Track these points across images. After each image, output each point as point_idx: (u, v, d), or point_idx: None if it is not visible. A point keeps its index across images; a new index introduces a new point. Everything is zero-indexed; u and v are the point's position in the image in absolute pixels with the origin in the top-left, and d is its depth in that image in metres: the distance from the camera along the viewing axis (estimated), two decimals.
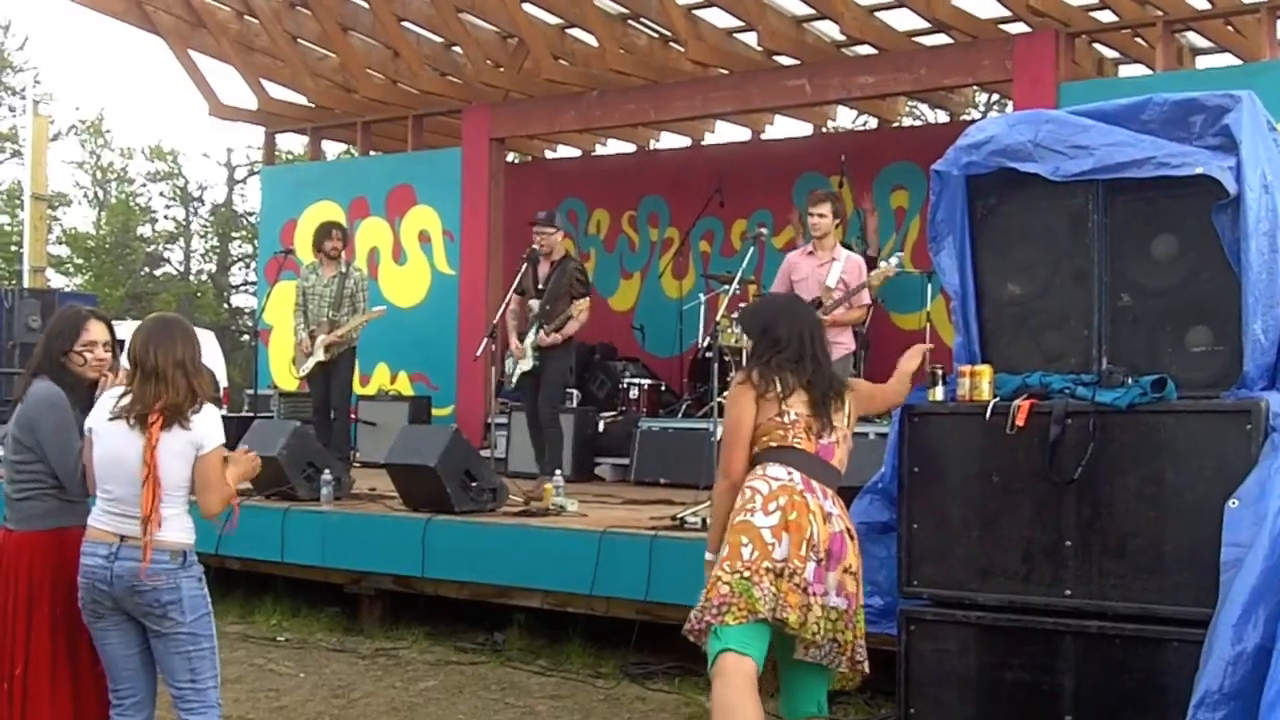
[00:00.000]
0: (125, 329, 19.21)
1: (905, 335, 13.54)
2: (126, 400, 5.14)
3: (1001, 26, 13.11)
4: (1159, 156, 5.46)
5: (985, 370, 5.87)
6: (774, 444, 5.55)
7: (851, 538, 5.53)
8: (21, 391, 5.64)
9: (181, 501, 5.22)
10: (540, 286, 11.19)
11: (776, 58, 14.27)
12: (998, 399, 5.77)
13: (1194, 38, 13.33)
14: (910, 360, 6.25)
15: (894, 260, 10.34)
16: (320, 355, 11.98)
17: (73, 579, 5.27)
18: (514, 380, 11.27)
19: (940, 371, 6.08)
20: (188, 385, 5.14)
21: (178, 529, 5.19)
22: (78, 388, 5.56)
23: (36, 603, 5.40)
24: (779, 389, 5.54)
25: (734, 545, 5.40)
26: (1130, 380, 5.51)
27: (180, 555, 5.18)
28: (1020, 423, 5.63)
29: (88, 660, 5.41)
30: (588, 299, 11.22)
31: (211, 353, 22.95)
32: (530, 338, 11.02)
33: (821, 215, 10.31)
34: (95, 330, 5.64)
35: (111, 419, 5.14)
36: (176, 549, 5.17)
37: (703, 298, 14.59)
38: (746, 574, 5.33)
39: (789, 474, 5.47)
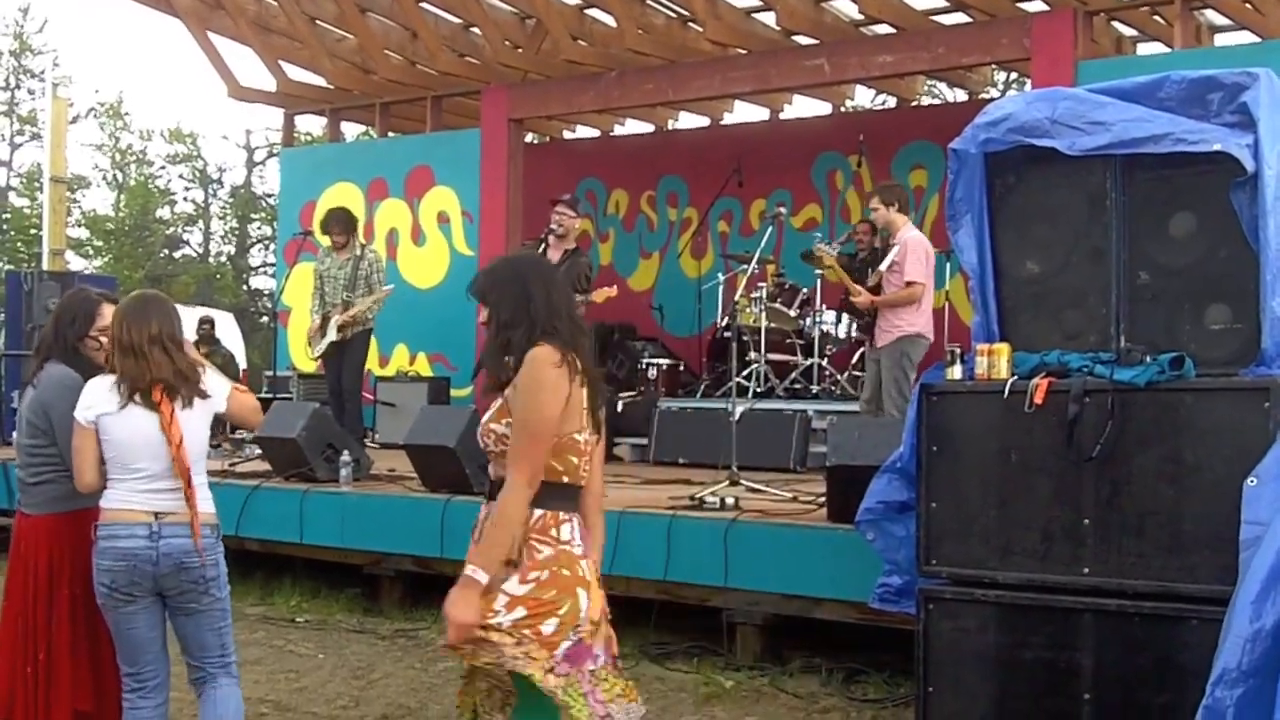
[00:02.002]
0: None
1: None
2: (124, 383, 5.10)
3: (1019, 5, 13.06)
4: (1176, 133, 5.44)
5: (1003, 349, 5.86)
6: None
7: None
8: (33, 376, 5.62)
9: (203, 470, 5.25)
10: None
11: (795, 37, 14.23)
12: (1016, 377, 5.77)
13: (1212, 15, 13.29)
14: None
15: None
16: (334, 335, 12.01)
17: (90, 561, 5.27)
18: None
19: (959, 350, 6.07)
20: (169, 361, 5.12)
21: (205, 498, 5.21)
22: (91, 372, 5.55)
23: (57, 585, 5.41)
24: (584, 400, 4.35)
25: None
26: (1149, 358, 5.50)
27: (215, 529, 5.23)
28: (1039, 401, 5.62)
29: (106, 640, 5.42)
30: (589, 298, 11.20)
31: (231, 334, 23.02)
32: None
33: (875, 209, 10.60)
34: (109, 314, 5.63)
35: (122, 406, 5.09)
36: (213, 522, 5.22)
37: (721, 277, 14.60)
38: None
39: None
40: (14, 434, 6.02)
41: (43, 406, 5.47)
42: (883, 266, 10.30)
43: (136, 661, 5.25)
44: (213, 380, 5.30)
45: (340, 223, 12.40)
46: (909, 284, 10.22)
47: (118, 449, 5.14)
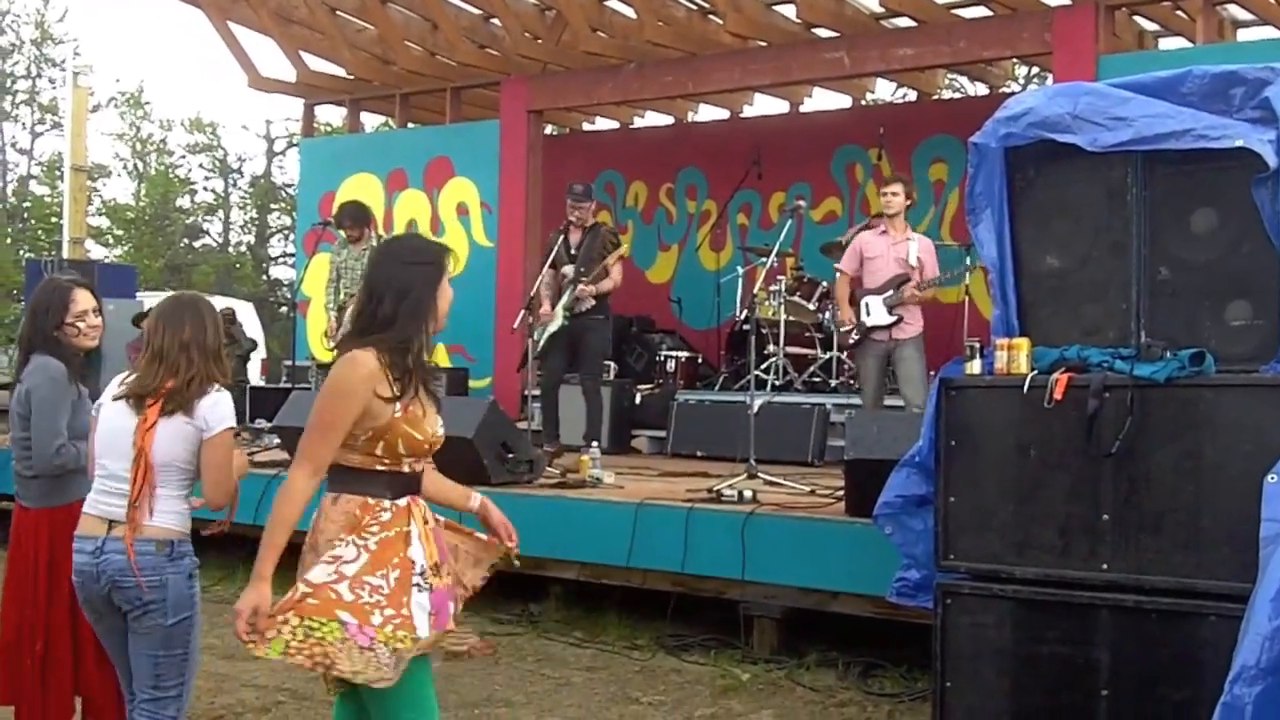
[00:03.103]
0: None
1: (943, 309, 13.47)
2: (132, 379, 4.90)
3: None
4: (1198, 129, 5.43)
5: (1023, 343, 5.85)
6: None
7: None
8: (19, 369, 5.62)
9: (179, 485, 4.84)
10: (573, 253, 11.21)
11: (815, 30, 14.21)
12: (1035, 372, 5.76)
13: (1235, 10, 13.25)
14: None
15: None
16: (349, 327, 12.01)
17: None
18: (540, 345, 11.26)
19: (978, 345, 6.06)
20: (199, 365, 4.84)
21: (169, 515, 4.81)
22: (74, 359, 5.53)
23: (57, 578, 5.37)
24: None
25: None
26: (1169, 354, 5.49)
27: (167, 545, 4.78)
28: (1058, 396, 5.61)
29: None
30: (620, 250, 11.21)
31: (250, 324, 23.06)
32: (564, 299, 11.03)
33: (895, 194, 10.52)
34: (83, 299, 5.58)
35: (115, 398, 4.89)
36: (163, 538, 4.78)
37: (740, 270, 14.57)
38: None
39: None
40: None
41: (26, 395, 5.46)
42: (912, 259, 10.32)
43: (125, 677, 4.99)
44: (216, 409, 4.87)
45: (352, 216, 12.41)
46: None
47: (98, 441, 4.93)
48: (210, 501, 4.85)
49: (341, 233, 12.53)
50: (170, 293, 5.37)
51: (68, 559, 5.06)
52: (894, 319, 10.29)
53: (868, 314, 10.40)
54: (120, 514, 4.77)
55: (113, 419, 4.88)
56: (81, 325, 5.55)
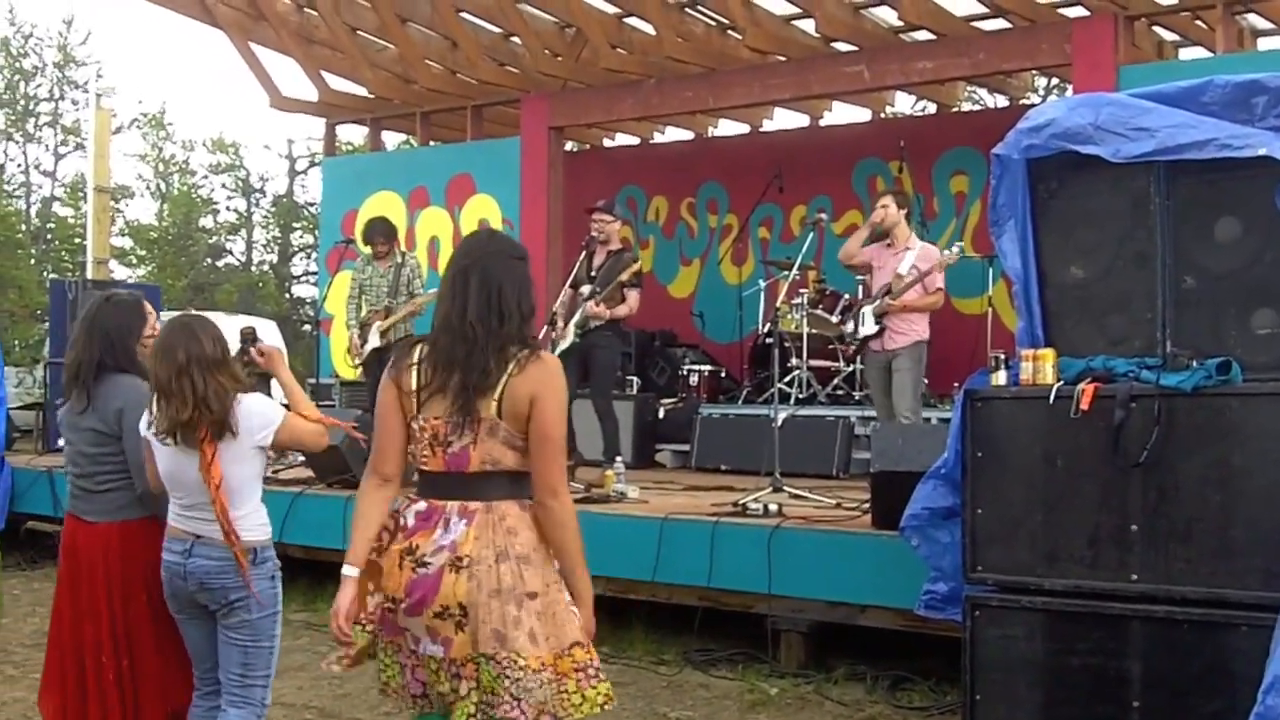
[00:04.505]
0: None
1: (967, 320, 13.49)
2: (161, 421, 5.03)
3: (1060, 10, 13.02)
4: (1221, 138, 5.42)
5: (1048, 354, 5.85)
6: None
7: (458, 570, 4.07)
8: (88, 385, 5.57)
9: (250, 498, 5.16)
10: (593, 274, 11.21)
11: (834, 44, 14.23)
12: (1061, 383, 5.76)
13: (1255, 19, 13.20)
14: None
15: (955, 249, 10.36)
16: (376, 341, 12.04)
17: (158, 562, 5.26)
18: None
19: (1003, 356, 6.06)
20: (202, 385, 4.94)
21: (249, 527, 5.12)
22: (144, 375, 5.58)
23: (132, 591, 5.39)
24: (413, 382, 4.23)
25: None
26: (1195, 363, 5.48)
27: (251, 552, 5.10)
28: (1084, 407, 5.61)
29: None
30: (635, 264, 11.20)
31: (273, 342, 23.10)
32: (576, 317, 11.02)
33: (885, 207, 10.43)
34: (152, 316, 5.68)
35: (163, 441, 5.06)
36: (246, 547, 5.08)
37: (762, 284, 14.62)
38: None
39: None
40: (60, 443, 5.97)
41: (115, 414, 5.45)
42: (902, 269, 10.19)
43: (197, 666, 5.33)
44: (257, 415, 5.12)
45: (382, 232, 12.44)
46: (936, 291, 10.20)
47: (165, 479, 5.18)
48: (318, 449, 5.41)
49: (366, 249, 12.56)
50: (194, 313, 5.40)
51: (142, 570, 5.33)
52: (879, 328, 10.23)
53: (863, 324, 10.38)
54: (203, 529, 5.08)
55: (168, 460, 5.11)
56: (149, 343, 5.58)
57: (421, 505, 4.20)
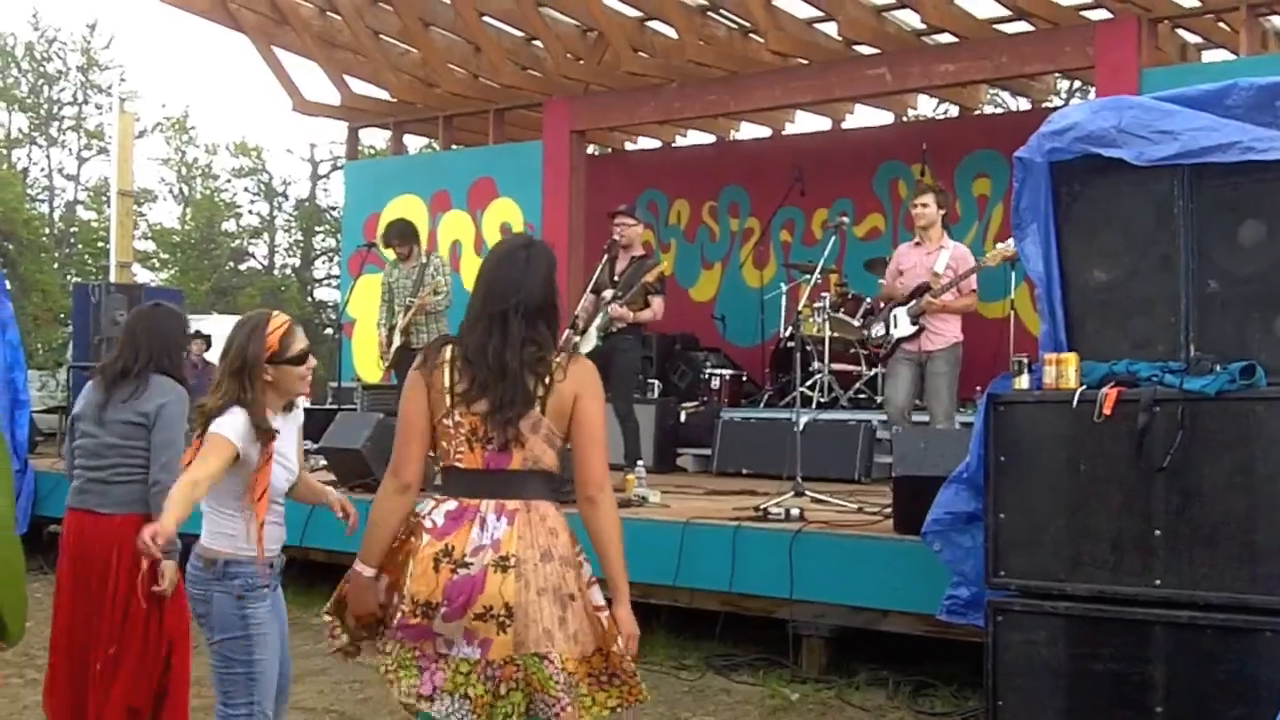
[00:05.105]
0: (210, 324, 19.29)
1: (990, 323, 13.43)
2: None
3: (1082, 13, 12.98)
4: (1244, 141, 5.41)
5: (1071, 358, 5.83)
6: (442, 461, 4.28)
7: (504, 570, 4.06)
8: (134, 382, 5.64)
9: (221, 502, 4.83)
10: (615, 279, 11.19)
11: (856, 47, 14.22)
12: (1085, 387, 5.74)
13: (1279, 21, 13.14)
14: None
15: (1001, 248, 10.19)
16: (399, 340, 12.05)
17: (157, 560, 5.31)
18: None
19: (1026, 360, 6.04)
20: (226, 385, 4.79)
21: (217, 535, 4.83)
22: (186, 384, 5.66)
23: (133, 584, 5.43)
24: (446, 381, 4.19)
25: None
26: (1219, 367, 5.47)
27: (212, 564, 4.81)
28: (1108, 411, 5.59)
29: (179, 641, 5.53)
30: (660, 266, 11.18)
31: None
32: (598, 320, 11.00)
33: (925, 205, 10.33)
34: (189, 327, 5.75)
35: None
36: (210, 557, 4.81)
37: (784, 287, 14.60)
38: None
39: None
40: (76, 441, 5.95)
41: (157, 407, 5.55)
42: (939, 267, 10.12)
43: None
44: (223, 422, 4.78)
45: (400, 234, 12.45)
46: (972, 293, 10.15)
47: None
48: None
49: (390, 253, 12.58)
50: (217, 316, 5.44)
51: (139, 566, 5.24)
52: (916, 329, 10.14)
53: (895, 325, 10.27)
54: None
55: None
56: (190, 349, 5.64)
57: (452, 504, 4.15)
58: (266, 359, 4.83)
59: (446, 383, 4.14)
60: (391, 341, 12.12)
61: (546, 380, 4.10)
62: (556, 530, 4.15)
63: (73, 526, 5.69)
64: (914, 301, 10.10)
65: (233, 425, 4.73)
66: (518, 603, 4.01)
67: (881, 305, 10.62)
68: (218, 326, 19.63)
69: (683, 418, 13.48)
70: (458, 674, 4.08)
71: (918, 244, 10.44)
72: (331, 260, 44.21)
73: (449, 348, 4.20)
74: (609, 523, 4.21)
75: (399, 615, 4.10)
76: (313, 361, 5.03)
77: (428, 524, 4.14)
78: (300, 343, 4.97)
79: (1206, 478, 5.44)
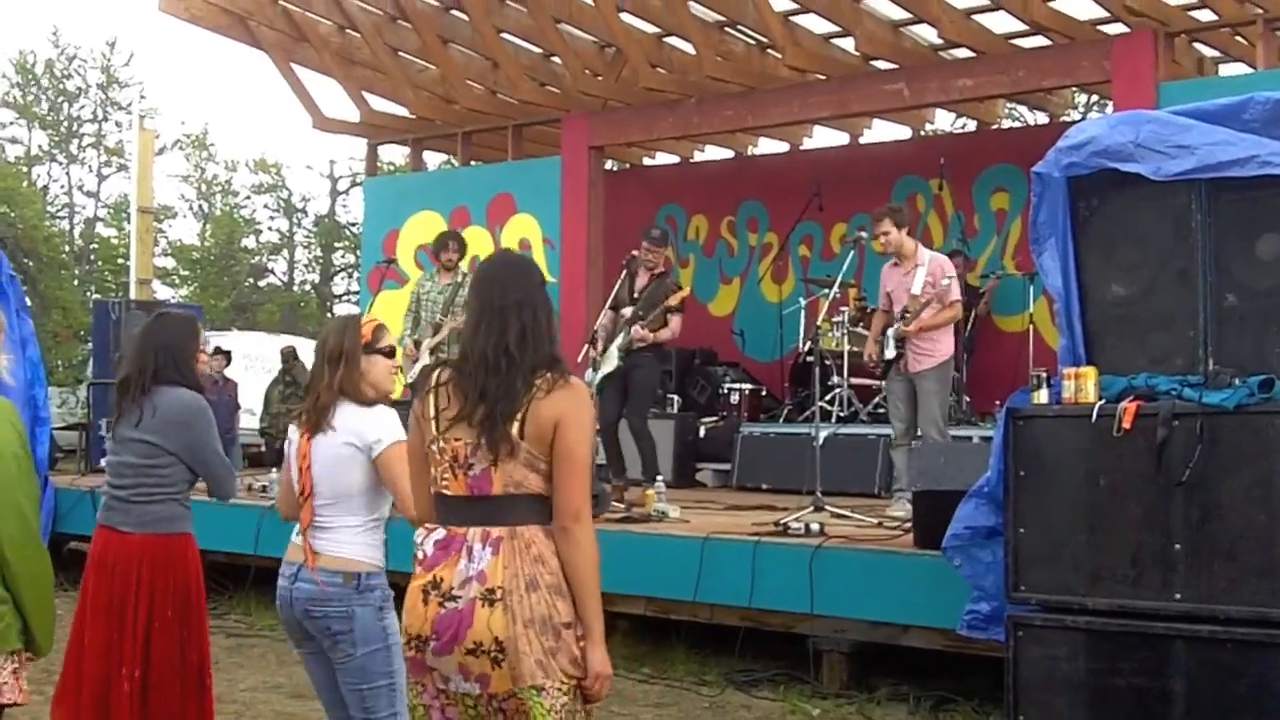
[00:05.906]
0: (230, 340, 19.25)
1: (1009, 337, 13.45)
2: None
3: (1099, 27, 12.99)
4: (1262, 155, 5.41)
5: (1090, 372, 5.84)
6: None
7: (491, 604, 3.92)
8: (139, 398, 5.63)
9: (355, 513, 4.91)
10: (635, 296, 11.20)
11: (874, 62, 14.24)
12: (1103, 401, 5.74)
13: None
14: None
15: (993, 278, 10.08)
16: (426, 359, 12.08)
17: (186, 582, 5.32)
18: (595, 385, 11.17)
19: (1045, 374, 6.05)
20: (323, 377, 4.90)
21: (349, 545, 4.88)
22: (203, 390, 5.65)
23: (160, 603, 5.42)
24: (431, 407, 4.09)
25: None
26: (1237, 381, 5.46)
27: (354, 578, 4.84)
28: (1127, 425, 5.59)
29: (203, 660, 5.52)
30: (682, 291, 11.19)
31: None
32: (619, 340, 11.01)
33: (885, 233, 10.11)
34: (201, 334, 5.74)
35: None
36: (349, 570, 4.84)
37: (803, 302, 14.61)
38: None
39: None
40: (105, 458, 5.98)
41: (176, 428, 5.49)
42: (915, 288, 9.94)
43: (321, 698, 5.12)
44: (373, 424, 4.92)
45: (458, 241, 12.53)
46: (953, 304, 10.06)
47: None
48: (406, 516, 4.70)
49: (434, 265, 12.61)
50: (237, 333, 5.45)
51: (169, 585, 5.32)
52: (898, 352, 10.03)
53: (888, 347, 10.18)
54: (316, 544, 4.87)
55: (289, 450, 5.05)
56: (204, 357, 5.65)
57: (440, 533, 4.01)
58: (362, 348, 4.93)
59: (431, 410, 4.05)
60: (418, 357, 12.13)
61: (529, 395, 3.94)
62: (544, 557, 3.96)
63: (99, 541, 5.70)
64: (897, 325, 10.02)
65: (395, 423, 4.85)
66: (508, 637, 3.86)
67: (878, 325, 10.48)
68: (237, 343, 19.69)
69: (702, 433, 13.49)
70: (464, 707, 3.99)
71: (895, 264, 10.30)
72: (351, 276, 44.30)
73: (437, 372, 4.13)
74: (581, 556, 3.97)
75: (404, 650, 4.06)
76: (399, 359, 5.08)
77: (419, 554, 4.03)
78: (389, 339, 5.09)
79: (1226, 491, 5.43)
